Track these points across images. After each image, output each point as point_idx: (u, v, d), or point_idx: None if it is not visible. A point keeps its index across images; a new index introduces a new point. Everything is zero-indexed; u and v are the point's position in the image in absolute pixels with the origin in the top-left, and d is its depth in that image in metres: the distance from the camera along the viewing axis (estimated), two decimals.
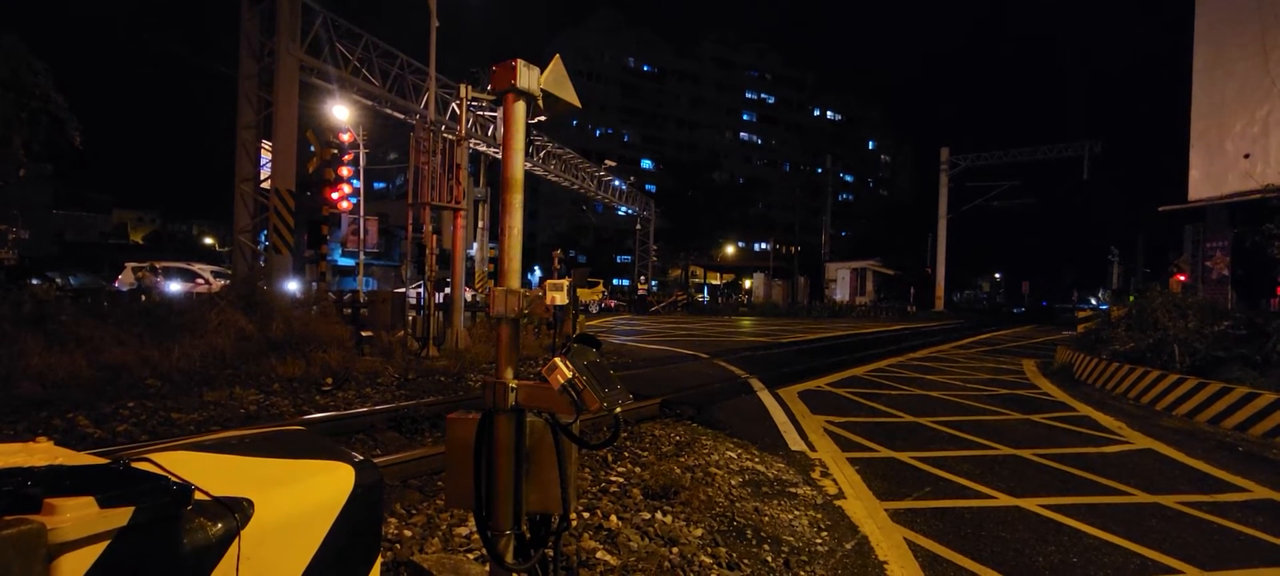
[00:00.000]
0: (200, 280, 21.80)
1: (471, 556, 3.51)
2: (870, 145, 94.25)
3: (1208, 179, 16.93)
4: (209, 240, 56.51)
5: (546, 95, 2.50)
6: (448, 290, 12.86)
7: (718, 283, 67.67)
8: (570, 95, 2.57)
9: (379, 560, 1.65)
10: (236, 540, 1.25)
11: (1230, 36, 16.37)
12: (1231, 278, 16.99)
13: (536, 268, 49.44)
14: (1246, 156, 15.70)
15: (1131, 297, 15.06)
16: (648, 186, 64.35)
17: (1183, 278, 20.51)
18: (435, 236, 12.74)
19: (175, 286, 20.07)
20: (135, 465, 1.29)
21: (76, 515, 1.01)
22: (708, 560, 3.69)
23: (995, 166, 46.33)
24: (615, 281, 51.25)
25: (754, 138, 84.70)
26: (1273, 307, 14.56)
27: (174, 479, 1.24)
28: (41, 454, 1.31)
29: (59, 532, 1.00)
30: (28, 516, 0.99)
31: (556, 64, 2.53)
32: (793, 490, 5.08)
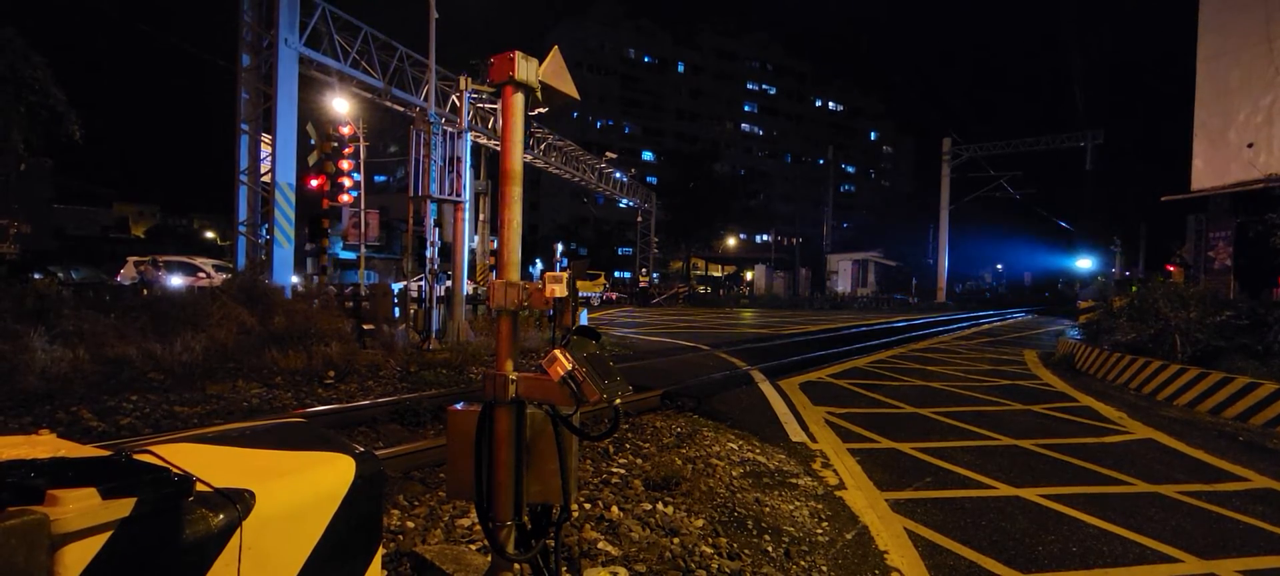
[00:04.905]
0: (201, 273, 21.84)
1: (474, 547, 3.53)
2: (872, 136, 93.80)
3: (1210, 168, 16.86)
4: (210, 234, 56.50)
5: (545, 87, 2.50)
6: (449, 283, 12.86)
7: (719, 274, 67.67)
8: (568, 87, 2.56)
9: (380, 550, 1.66)
10: (238, 530, 1.26)
11: (1235, 25, 16.27)
12: (1234, 267, 16.95)
13: (538, 260, 49.42)
14: (1250, 146, 15.63)
15: (1134, 287, 15.03)
16: (649, 178, 64.25)
17: (1170, 268, 20.54)
18: (437, 229, 12.73)
19: (176, 280, 20.11)
20: (137, 457, 1.30)
21: (79, 506, 1.02)
22: (709, 550, 3.71)
23: (997, 157, 46.23)
24: (616, 273, 51.15)
25: (755, 129, 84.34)
26: (1275, 297, 14.52)
27: (175, 470, 1.25)
28: (44, 446, 1.32)
29: (62, 523, 1.01)
30: (31, 507, 1.00)
31: (555, 55, 2.52)
32: (793, 481, 5.09)
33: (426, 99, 18.46)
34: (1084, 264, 54.47)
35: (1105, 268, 53.25)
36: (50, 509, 1.00)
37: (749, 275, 58.68)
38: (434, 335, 11.61)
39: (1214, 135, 16.77)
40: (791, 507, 4.52)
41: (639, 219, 47.49)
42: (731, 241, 61.64)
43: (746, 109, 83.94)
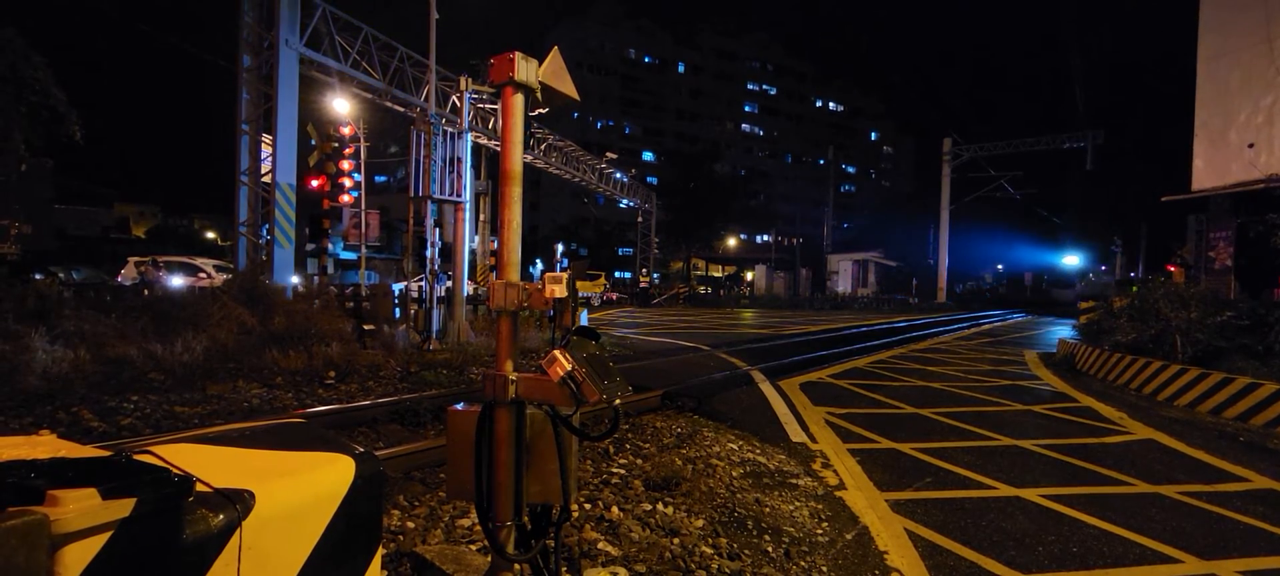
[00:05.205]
0: (202, 274, 21.88)
1: (474, 547, 3.53)
2: (872, 136, 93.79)
3: (1211, 169, 16.86)
4: (211, 234, 56.58)
5: (545, 87, 2.50)
6: (449, 283, 12.87)
7: (719, 274, 67.66)
8: (568, 88, 2.56)
9: (380, 551, 1.66)
10: (238, 531, 1.26)
11: (1235, 25, 16.28)
12: (1234, 268, 16.95)
13: (538, 260, 49.43)
14: (1250, 146, 15.63)
15: (1135, 287, 15.04)
16: (649, 178, 64.25)
17: (1171, 268, 20.58)
18: (437, 229, 12.74)
19: (177, 280, 20.15)
20: (137, 457, 1.30)
21: (79, 506, 1.02)
22: (709, 550, 3.71)
23: (997, 157, 46.15)
24: (616, 274, 51.16)
25: (756, 129, 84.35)
26: (1275, 298, 14.51)
27: (175, 470, 1.25)
28: (44, 446, 1.32)
29: (62, 523, 1.01)
30: (31, 508, 1.00)
31: (554, 56, 2.52)
32: (794, 481, 5.09)
33: (427, 99, 18.47)
34: (1071, 260, 54.13)
35: (1095, 265, 53.03)
36: (50, 509, 1.00)
37: (749, 275, 58.65)
38: (434, 335, 11.62)
39: (1214, 135, 16.77)
40: (791, 508, 4.52)
41: (639, 219, 47.46)
42: (732, 241, 61.60)
43: (747, 109, 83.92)
